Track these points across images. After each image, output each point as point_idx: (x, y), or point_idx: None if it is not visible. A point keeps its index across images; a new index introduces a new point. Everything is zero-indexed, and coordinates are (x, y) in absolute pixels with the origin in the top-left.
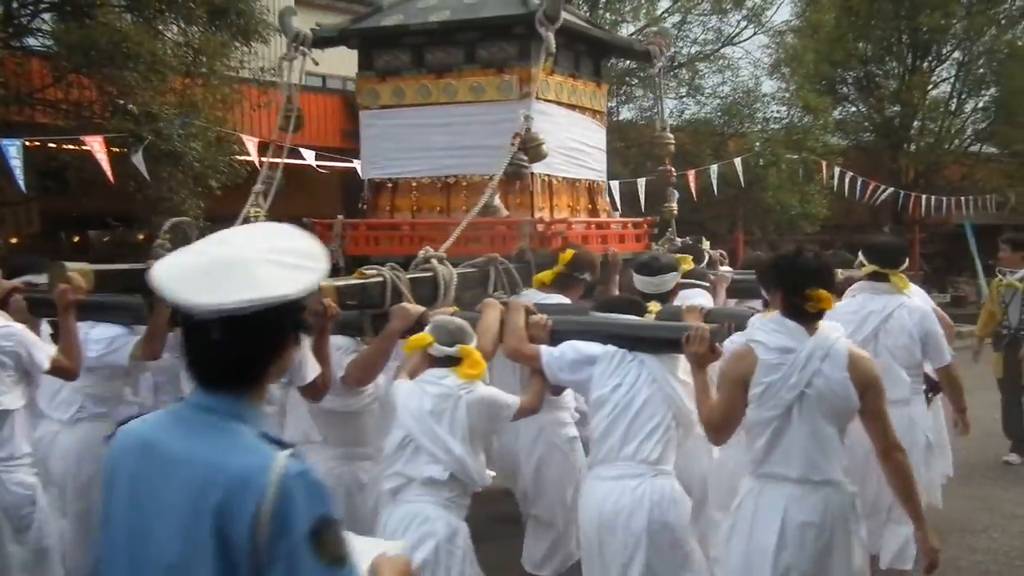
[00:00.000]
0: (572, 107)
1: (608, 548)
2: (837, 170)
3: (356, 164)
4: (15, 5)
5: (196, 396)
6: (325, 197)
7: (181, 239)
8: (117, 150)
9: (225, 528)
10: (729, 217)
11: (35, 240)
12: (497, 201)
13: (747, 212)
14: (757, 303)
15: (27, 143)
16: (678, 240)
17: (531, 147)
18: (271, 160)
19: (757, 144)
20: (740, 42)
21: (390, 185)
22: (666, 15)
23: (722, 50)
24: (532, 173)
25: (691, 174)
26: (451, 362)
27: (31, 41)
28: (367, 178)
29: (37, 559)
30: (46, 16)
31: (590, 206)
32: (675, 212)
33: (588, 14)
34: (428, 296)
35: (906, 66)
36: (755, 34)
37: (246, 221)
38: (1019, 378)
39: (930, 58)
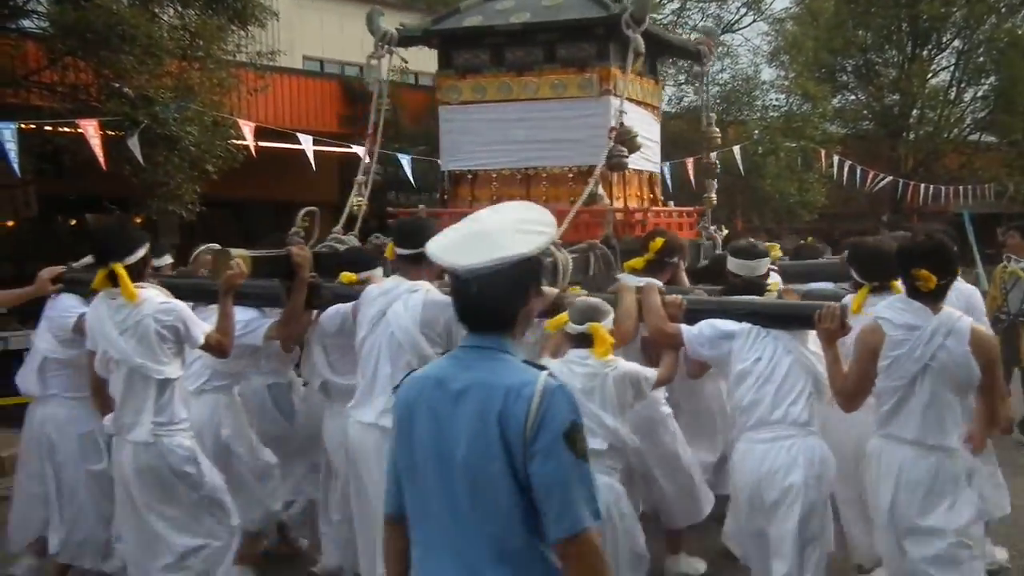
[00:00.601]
0: (637, 103)
1: (766, 502)
2: (836, 158)
3: (355, 149)
4: None
5: (468, 339)
6: (322, 181)
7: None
8: (113, 133)
9: (505, 430)
10: (727, 205)
11: (32, 223)
12: (600, 190)
13: (745, 200)
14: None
15: (22, 126)
16: (712, 227)
17: (627, 140)
18: (370, 150)
19: (756, 132)
20: (739, 29)
21: (470, 176)
22: (666, 1)
23: (721, 37)
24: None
25: (689, 162)
26: (585, 339)
27: (26, 23)
28: (446, 170)
29: (211, 504)
30: None
31: (651, 196)
32: (714, 201)
33: None
34: (548, 280)
35: (906, 54)
36: (754, 21)
37: (350, 210)
38: (1013, 363)
39: (930, 46)
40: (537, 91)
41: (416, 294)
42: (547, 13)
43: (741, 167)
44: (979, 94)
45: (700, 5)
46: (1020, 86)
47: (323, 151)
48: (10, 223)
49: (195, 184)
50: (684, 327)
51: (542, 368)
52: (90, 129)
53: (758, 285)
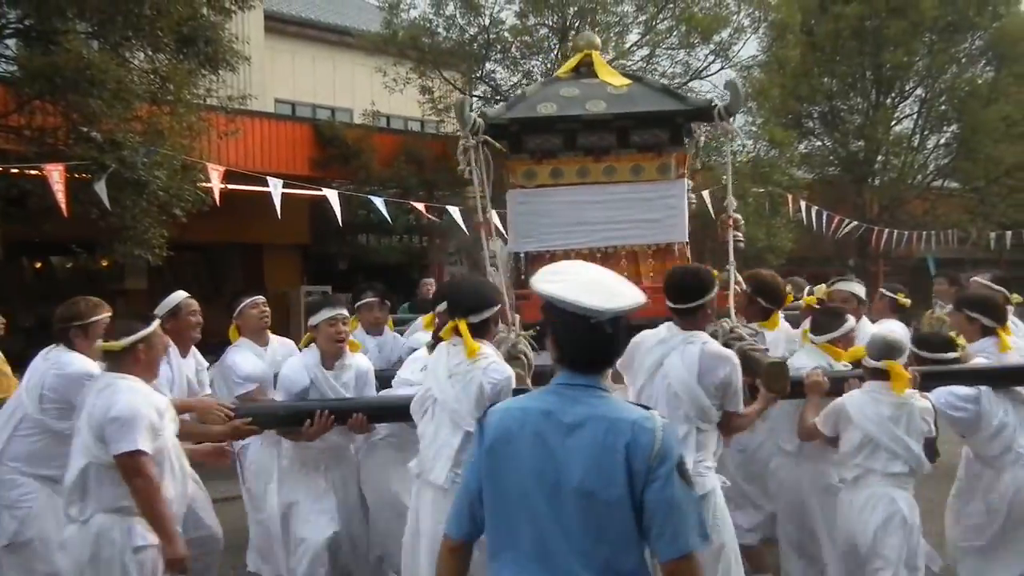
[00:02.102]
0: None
1: None
2: (803, 203)
3: (324, 192)
4: None
5: (566, 378)
6: (293, 224)
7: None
8: (81, 177)
9: (631, 458)
10: (696, 249)
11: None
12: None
13: (715, 245)
14: None
15: None
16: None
17: (740, 226)
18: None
19: (724, 177)
20: (708, 76)
21: (548, 256)
22: (635, 48)
23: (690, 83)
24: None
25: None
26: (882, 373)
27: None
28: (521, 251)
29: None
30: (10, 42)
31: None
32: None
33: (557, 47)
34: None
35: (870, 102)
36: (722, 68)
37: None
38: None
39: (893, 94)
40: (615, 174)
41: (692, 346)
42: (620, 101)
43: (712, 211)
44: (941, 141)
45: (669, 52)
46: (980, 134)
47: (294, 194)
48: None
49: (163, 228)
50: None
51: (645, 407)
52: (55, 175)
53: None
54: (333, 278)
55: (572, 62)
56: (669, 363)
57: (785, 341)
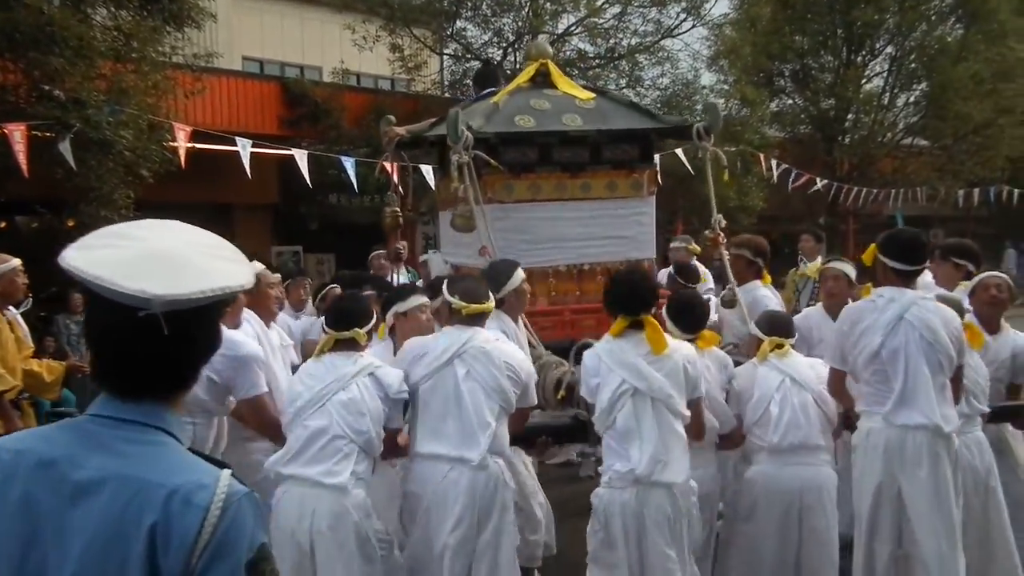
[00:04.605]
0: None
1: None
2: (774, 162)
3: (293, 152)
4: None
5: (107, 406)
6: (262, 184)
7: None
8: (44, 136)
9: (157, 552)
10: (668, 208)
11: None
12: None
13: (686, 204)
14: None
15: None
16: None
17: (724, 242)
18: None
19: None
20: (679, 34)
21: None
22: (606, 5)
23: (662, 42)
24: None
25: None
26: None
27: None
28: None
29: None
30: None
31: None
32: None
33: (528, 4)
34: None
35: (841, 60)
36: (694, 26)
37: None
38: None
39: (864, 52)
40: (590, 190)
41: (928, 302)
42: (594, 117)
43: (691, 168)
44: (911, 100)
45: (640, 10)
46: (949, 92)
47: (262, 154)
48: None
49: (129, 189)
50: None
51: (221, 464)
52: (16, 135)
53: None
54: (304, 238)
55: (528, 72)
56: (913, 316)
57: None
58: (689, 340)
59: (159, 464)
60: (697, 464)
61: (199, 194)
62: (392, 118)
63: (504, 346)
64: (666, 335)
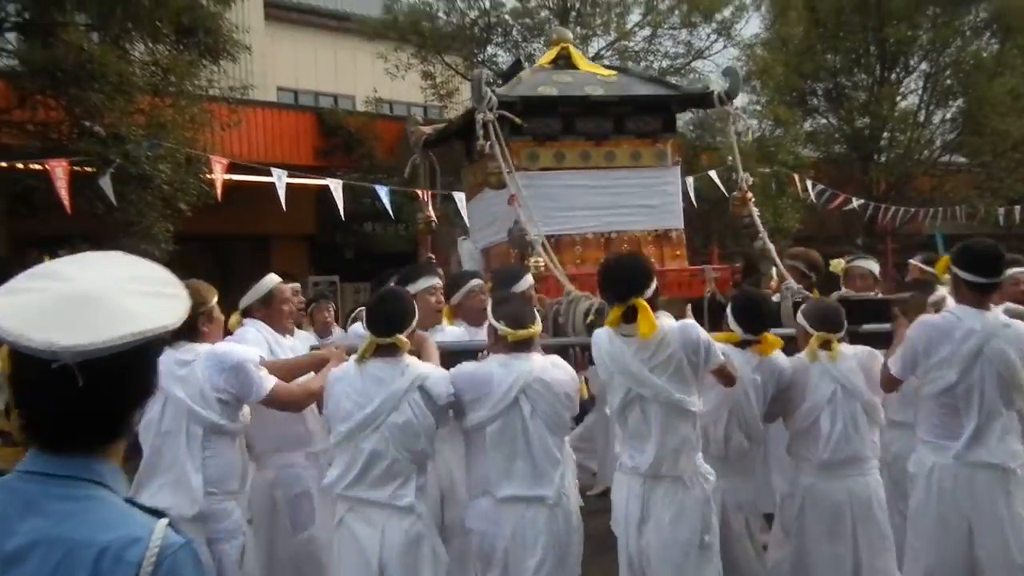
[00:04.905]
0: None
1: None
2: (809, 183)
3: (327, 181)
4: None
5: (35, 462)
6: (299, 214)
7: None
8: (85, 171)
9: None
10: (703, 231)
11: (6, 260)
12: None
13: (721, 226)
14: None
15: None
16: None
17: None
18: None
19: (729, 158)
20: (711, 55)
21: (553, 241)
22: (637, 28)
23: (693, 63)
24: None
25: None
26: None
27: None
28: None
29: None
30: (10, 36)
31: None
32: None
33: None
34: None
35: (874, 77)
36: (725, 47)
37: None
38: None
39: (898, 69)
40: (615, 159)
41: (1007, 330)
42: (616, 87)
43: (724, 189)
44: (947, 116)
45: (671, 32)
46: (986, 108)
47: (297, 184)
48: None
49: (167, 222)
50: None
51: (158, 514)
52: (58, 170)
53: None
54: (341, 267)
55: (550, 55)
56: (992, 349)
57: None
58: (751, 342)
59: (90, 521)
60: (734, 472)
61: (237, 225)
62: (418, 118)
63: (560, 375)
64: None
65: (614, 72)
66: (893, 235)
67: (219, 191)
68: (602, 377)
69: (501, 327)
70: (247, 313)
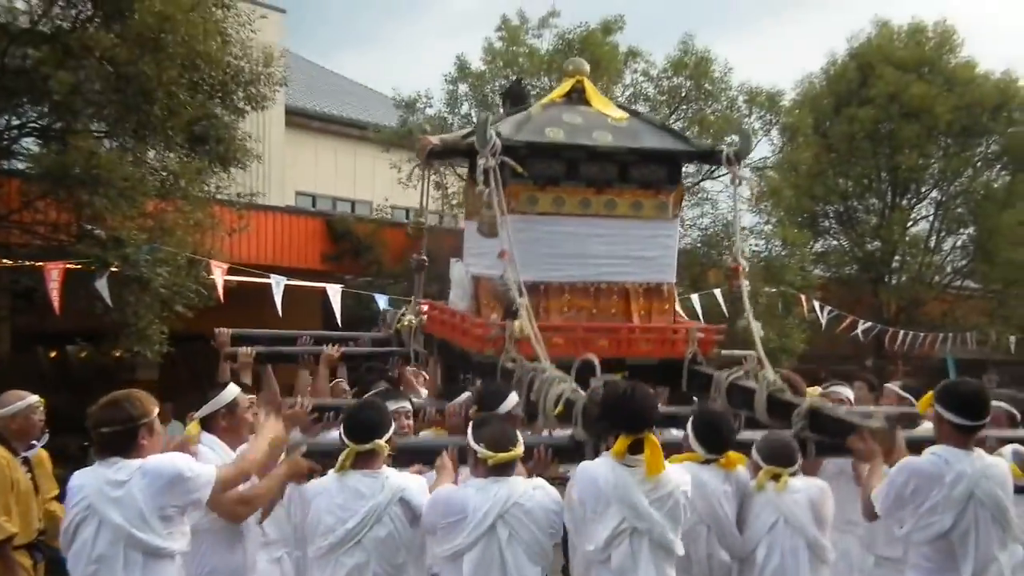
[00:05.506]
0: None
1: None
2: (816, 304)
3: (326, 287)
4: None
5: None
6: (305, 316)
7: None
8: (85, 268)
9: None
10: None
11: (12, 356)
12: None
13: (725, 343)
14: None
15: None
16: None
17: (746, 272)
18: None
19: (731, 229)
20: (720, 176)
21: (542, 288)
22: None
23: (702, 183)
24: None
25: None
26: None
27: (17, 164)
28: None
29: None
30: (28, 140)
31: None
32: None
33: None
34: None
35: (886, 202)
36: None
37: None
38: None
39: (909, 196)
40: (615, 208)
41: (994, 470)
42: (625, 134)
43: (726, 310)
44: (958, 244)
45: None
46: (997, 237)
47: (303, 287)
48: None
49: (163, 325)
50: None
51: None
52: (54, 273)
53: None
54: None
55: (564, 87)
56: (984, 492)
57: None
58: (713, 461)
59: None
60: None
61: (240, 326)
62: (427, 127)
63: (543, 497)
64: (673, 462)
65: (625, 116)
66: (904, 358)
67: (220, 294)
68: (587, 512)
69: (481, 450)
70: (206, 423)
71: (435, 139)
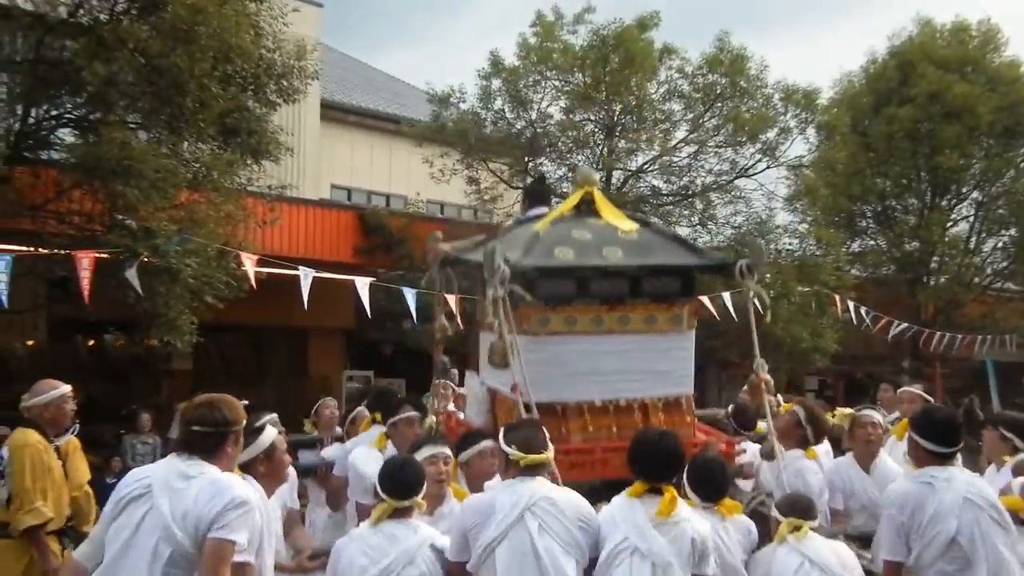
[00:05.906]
0: None
1: None
2: (851, 304)
3: (355, 280)
4: (31, 121)
5: None
6: (336, 308)
7: None
8: (115, 258)
9: None
10: (739, 345)
11: (50, 344)
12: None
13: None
14: None
15: (23, 252)
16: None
17: (771, 387)
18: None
19: (768, 275)
20: (754, 174)
21: (559, 409)
22: (682, 145)
23: (736, 181)
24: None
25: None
26: None
27: (53, 154)
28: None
29: None
30: (64, 131)
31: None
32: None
33: (604, 142)
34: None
35: (925, 203)
36: (768, 167)
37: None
38: None
39: (949, 196)
40: (628, 324)
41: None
42: (636, 249)
43: (761, 309)
44: (999, 245)
45: (716, 150)
46: None
47: (333, 280)
48: (30, 343)
49: (193, 315)
50: None
51: None
52: (84, 262)
53: None
54: (378, 363)
55: (573, 199)
56: (976, 495)
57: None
58: (708, 508)
59: None
60: None
61: (273, 317)
62: (439, 235)
63: (572, 496)
64: (683, 503)
65: (635, 227)
66: (942, 360)
67: (253, 284)
68: (600, 537)
69: (512, 451)
70: (246, 468)
71: (447, 247)
